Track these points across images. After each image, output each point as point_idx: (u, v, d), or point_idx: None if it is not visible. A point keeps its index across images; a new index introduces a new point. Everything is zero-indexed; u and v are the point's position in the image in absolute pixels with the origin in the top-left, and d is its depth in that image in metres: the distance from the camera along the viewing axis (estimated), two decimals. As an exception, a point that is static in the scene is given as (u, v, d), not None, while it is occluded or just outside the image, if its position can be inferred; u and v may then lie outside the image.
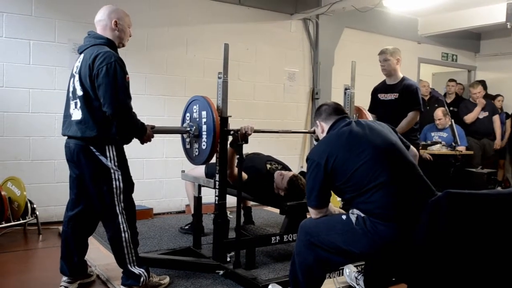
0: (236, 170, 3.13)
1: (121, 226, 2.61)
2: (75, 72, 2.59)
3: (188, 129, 3.16)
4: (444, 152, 5.73)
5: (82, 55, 2.58)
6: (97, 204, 2.63)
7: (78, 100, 2.54)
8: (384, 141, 2.22)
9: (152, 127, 2.80)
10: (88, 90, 2.49)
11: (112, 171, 2.57)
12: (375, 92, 4.25)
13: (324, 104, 2.49)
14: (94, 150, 2.53)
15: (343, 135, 2.24)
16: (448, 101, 7.09)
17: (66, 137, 2.67)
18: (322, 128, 2.42)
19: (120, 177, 2.59)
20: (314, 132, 3.44)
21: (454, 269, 1.80)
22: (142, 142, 2.76)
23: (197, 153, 3.17)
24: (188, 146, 3.30)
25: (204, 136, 3.05)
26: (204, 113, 3.05)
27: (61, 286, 2.75)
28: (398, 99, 4.01)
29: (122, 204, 2.61)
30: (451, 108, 6.90)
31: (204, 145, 3.06)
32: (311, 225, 2.25)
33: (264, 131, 3.46)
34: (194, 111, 3.17)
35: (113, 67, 2.44)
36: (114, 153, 2.56)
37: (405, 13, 6.91)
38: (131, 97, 2.55)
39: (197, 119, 3.13)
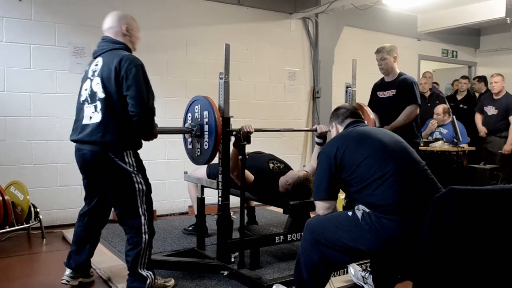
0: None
1: (143, 228, 2.65)
2: (92, 75, 2.61)
3: (190, 129, 3.17)
4: (447, 149, 5.71)
5: (99, 59, 2.61)
6: (119, 208, 2.68)
7: (98, 103, 2.55)
8: (394, 140, 2.29)
9: None
10: (110, 93, 2.52)
11: (133, 175, 2.61)
12: (375, 89, 4.26)
13: (342, 107, 2.58)
14: (113, 156, 2.55)
15: (354, 131, 2.35)
16: (459, 98, 6.98)
17: (75, 144, 2.68)
18: (337, 130, 2.51)
19: (141, 180, 2.64)
20: (316, 130, 3.46)
21: (459, 266, 1.80)
22: (148, 139, 2.77)
23: (199, 153, 3.17)
24: (190, 147, 3.30)
25: (206, 136, 3.05)
26: (206, 113, 3.05)
27: (63, 279, 2.80)
28: (396, 95, 4.02)
29: (145, 206, 2.67)
30: (461, 106, 6.85)
31: (206, 145, 3.06)
32: (317, 223, 2.26)
33: (265, 130, 3.46)
34: (196, 111, 3.17)
35: (140, 69, 2.53)
36: (133, 158, 2.61)
37: (405, 10, 6.91)
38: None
39: (199, 119, 3.13)
